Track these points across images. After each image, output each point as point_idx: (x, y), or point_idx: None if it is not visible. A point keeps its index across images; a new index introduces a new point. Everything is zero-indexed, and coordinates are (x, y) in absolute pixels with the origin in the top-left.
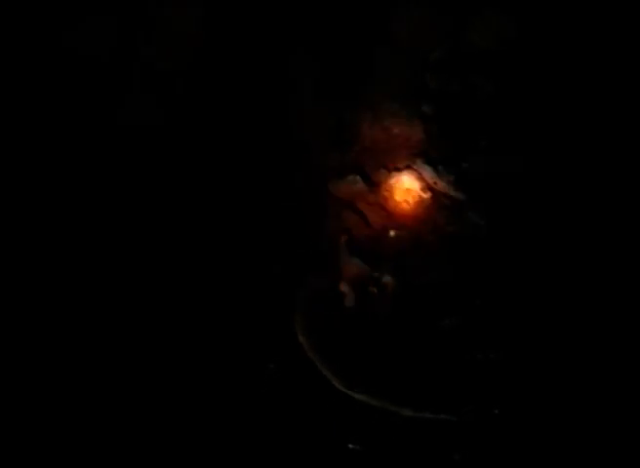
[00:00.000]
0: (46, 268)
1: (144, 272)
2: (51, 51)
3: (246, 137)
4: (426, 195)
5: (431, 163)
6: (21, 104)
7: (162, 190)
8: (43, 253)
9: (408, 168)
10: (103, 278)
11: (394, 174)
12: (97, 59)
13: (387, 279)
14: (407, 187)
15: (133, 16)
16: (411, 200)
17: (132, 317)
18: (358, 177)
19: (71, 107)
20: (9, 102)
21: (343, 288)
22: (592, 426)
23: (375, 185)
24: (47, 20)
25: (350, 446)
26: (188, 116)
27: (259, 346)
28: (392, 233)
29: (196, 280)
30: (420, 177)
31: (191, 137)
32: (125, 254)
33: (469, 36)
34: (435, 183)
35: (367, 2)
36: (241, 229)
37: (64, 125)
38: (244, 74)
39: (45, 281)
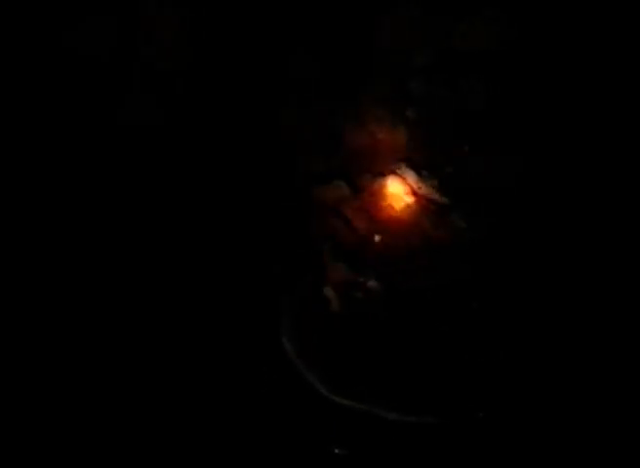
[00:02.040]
0: (45, 267)
1: (143, 272)
2: (51, 51)
3: (245, 138)
4: (411, 200)
5: (415, 167)
6: (21, 104)
7: (162, 190)
8: (42, 252)
9: (392, 172)
10: (102, 277)
11: (379, 178)
12: (97, 59)
13: (373, 284)
14: (391, 192)
15: (133, 16)
16: (395, 205)
17: (129, 314)
18: (343, 182)
19: (71, 107)
20: (9, 102)
21: (328, 293)
22: (585, 431)
23: (359, 190)
24: (47, 20)
25: (336, 450)
26: (188, 116)
27: (248, 350)
28: (377, 238)
29: (187, 281)
30: (405, 182)
31: (191, 137)
32: (124, 254)
33: (469, 36)
34: (419, 188)
35: (367, 2)
36: (240, 229)
37: (64, 125)
38: (244, 74)
39: (44, 280)
